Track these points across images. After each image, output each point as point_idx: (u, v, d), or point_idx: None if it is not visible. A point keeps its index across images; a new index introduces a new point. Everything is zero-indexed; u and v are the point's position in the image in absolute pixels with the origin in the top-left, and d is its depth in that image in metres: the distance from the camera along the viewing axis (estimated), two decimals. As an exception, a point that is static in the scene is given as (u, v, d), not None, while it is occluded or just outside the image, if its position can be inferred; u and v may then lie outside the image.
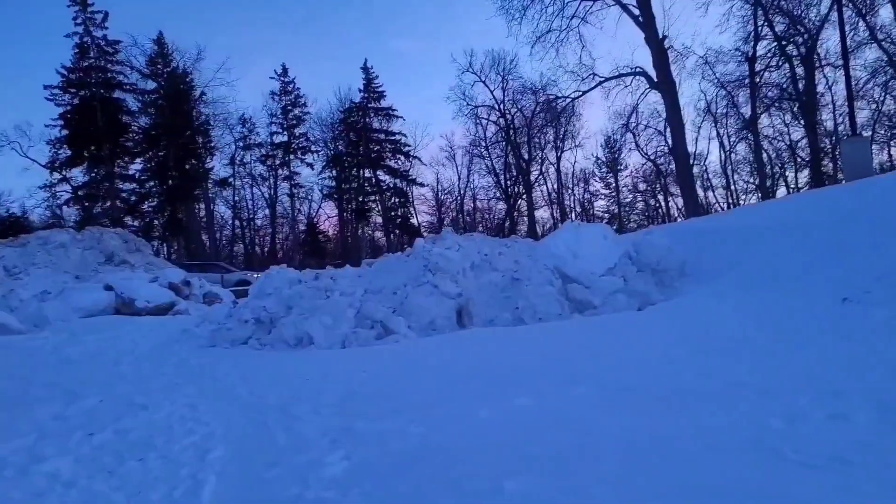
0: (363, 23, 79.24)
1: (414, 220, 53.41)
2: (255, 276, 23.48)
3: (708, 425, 3.51)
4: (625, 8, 28.23)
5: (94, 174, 42.41)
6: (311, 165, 51.42)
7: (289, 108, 51.21)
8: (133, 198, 43.89)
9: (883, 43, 30.08)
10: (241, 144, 49.53)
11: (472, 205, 55.99)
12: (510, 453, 3.40)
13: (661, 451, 3.21)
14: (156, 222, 44.38)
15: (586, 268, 10.53)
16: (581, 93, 31.77)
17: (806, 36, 32.32)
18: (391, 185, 52.75)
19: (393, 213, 53.07)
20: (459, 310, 9.25)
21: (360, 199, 51.79)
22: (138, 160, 44.32)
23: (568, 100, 33.44)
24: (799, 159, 41.37)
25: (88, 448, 4.19)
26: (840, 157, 20.36)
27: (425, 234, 50.96)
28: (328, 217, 54.60)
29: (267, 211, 52.27)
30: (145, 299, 14.20)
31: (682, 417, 3.68)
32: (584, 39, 29.93)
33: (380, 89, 52.10)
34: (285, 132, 50.82)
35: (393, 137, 52.84)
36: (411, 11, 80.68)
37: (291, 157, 50.76)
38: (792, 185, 43.33)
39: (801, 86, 33.26)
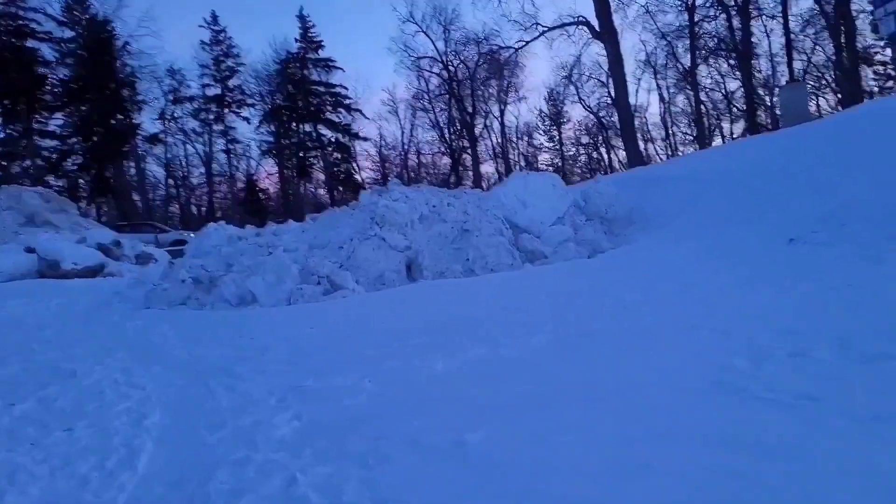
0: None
1: (357, 177, 52.49)
2: (192, 235, 22.64)
3: (671, 368, 3.43)
4: (567, -45, 27.84)
5: (9, 130, 39.73)
6: (247, 120, 49.42)
7: (221, 58, 48.74)
8: (55, 155, 41.44)
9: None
10: (170, 98, 47.13)
11: (416, 159, 55.36)
12: (469, 405, 3.24)
13: (625, 395, 3.10)
14: (81, 182, 42.11)
15: (536, 217, 10.42)
16: (524, 43, 31.42)
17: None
18: (333, 140, 51.44)
19: (336, 169, 51.91)
20: (409, 263, 9.02)
21: (302, 155, 50.37)
22: (58, 115, 41.69)
23: (511, 50, 33.07)
24: (735, 109, 42.29)
25: (8, 419, 3.82)
26: (778, 103, 20.82)
27: (370, 189, 50.09)
28: (268, 174, 53.01)
29: (202, 169, 50.32)
30: (72, 261, 13.39)
31: (644, 361, 3.59)
32: (526, -14, 29.36)
33: (317, 39, 50.26)
34: (218, 84, 48.55)
35: (333, 90, 51.25)
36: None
37: (226, 111, 48.69)
38: (727, 136, 44.42)
39: (737, 36, 33.72)
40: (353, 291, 8.11)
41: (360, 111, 51.60)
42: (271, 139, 49.98)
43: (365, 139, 52.36)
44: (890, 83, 39.64)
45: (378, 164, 54.64)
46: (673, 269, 6.28)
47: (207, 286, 8.82)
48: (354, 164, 52.69)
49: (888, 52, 39.30)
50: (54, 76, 40.97)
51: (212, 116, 48.51)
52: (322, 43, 50.45)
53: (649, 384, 3.22)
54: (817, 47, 36.18)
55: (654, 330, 4.22)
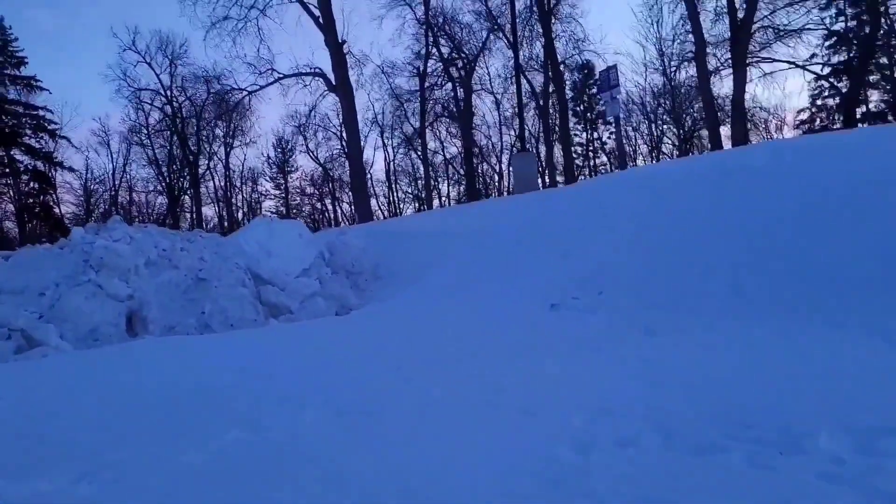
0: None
1: (56, 210, 45.58)
2: None
3: (487, 458, 2.92)
4: (305, 7, 27.97)
5: None
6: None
7: None
8: None
9: (527, 74, 34.80)
10: None
11: (127, 197, 50.17)
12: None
13: (432, 493, 2.64)
14: None
15: (280, 268, 9.72)
16: (259, 87, 30.55)
17: (466, 61, 36.06)
18: (30, 168, 44.12)
19: (31, 201, 44.48)
20: (130, 314, 7.68)
21: (-14, 181, 42.27)
22: None
23: (244, 93, 31.85)
24: (455, 173, 45.97)
25: None
26: (510, 171, 23.04)
27: (70, 225, 43.91)
28: (-65, 200, 43.36)
29: None
30: None
31: (450, 449, 3.10)
32: (262, 33, 28.71)
33: (20, 54, 43.26)
34: None
35: (35, 112, 44.29)
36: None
37: None
38: (444, 198, 48.07)
39: (461, 105, 36.93)
40: (56, 349, 6.59)
41: (66, 139, 45.27)
42: (-55, 159, 41.26)
43: (71, 169, 45.96)
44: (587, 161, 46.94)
45: (82, 199, 48.33)
46: (441, 333, 6.06)
47: None
48: (54, 196, 45.79)
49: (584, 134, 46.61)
50: None
51: None
52: (25, 59, 43.63)
53: (467, 484, 2.70)
54: (538, 119, 40.96)
55: (444, 406, 3.82)
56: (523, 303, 6.94)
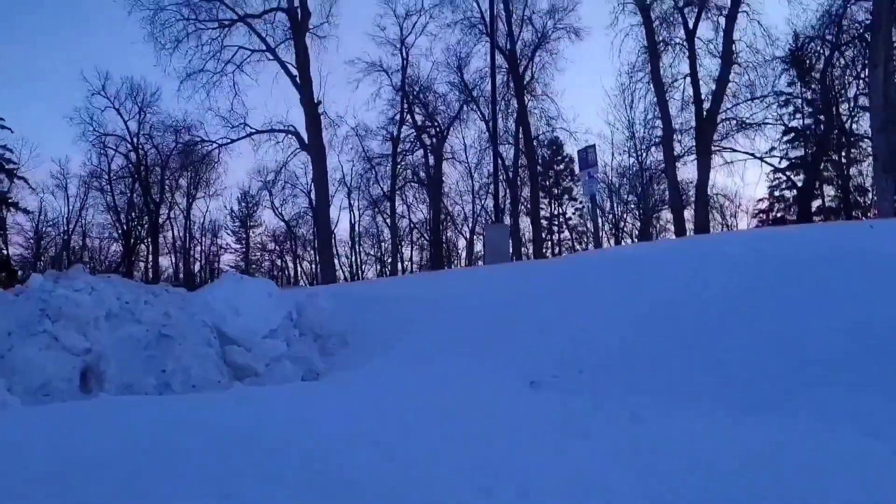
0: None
1: (5, 252, 43.88)
2: None
3: None
4: (283, 66, 28.35)
5: None
6: None
7: None
8: None
9: (501, 146, 35.60)
10: None
11: (80, 242, 48.79)
12: None
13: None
14: None
15: (248, 327, 9.34)
16: (230, 140, 30.50)
17: (438, 129, 36.81)
18: (-20, 206, 42.65)
19: (-21, 241, 42.83)
20: (86, 370, 7.22)
21: (-70, 218, 40.63)
22: None
23: (214, 145, 31.69)
24: (422, 238, 46.03)
25: None
26: (484, 241, 23.29)
27: (18, 270, 42.23)
28: None
29: None
30: None
31: None
32: (238, 87, 28.79)
33: (-22, 89, 42.54)
34: None
35: (-9, 150, 43.10)
36: (23, 8, 68.50)
37: None
38: (408, 262, 48.04)
39: (431, 172, 37.42)
40: (2, 403, 6.10)
41: (24, 179, 44.01)
42: None
43: (26, 211, 44.56)
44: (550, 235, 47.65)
45: (32, 241, 46.78)
46: (417, 408, 5.75)
47: None
48: (3, 238, 44.17)
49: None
50: None
51: None
52: (-16, 95, 42.76)
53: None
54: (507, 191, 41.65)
55: (428, 487, 3.64)
56: (500, 378, 6.75)
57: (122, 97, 41.99)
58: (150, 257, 46.20)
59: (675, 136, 26.24)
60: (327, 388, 7.19)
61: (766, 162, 31.42)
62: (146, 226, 45.53)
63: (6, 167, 43.09)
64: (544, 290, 9.20)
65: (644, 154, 35.42)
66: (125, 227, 45.62)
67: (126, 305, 8.37)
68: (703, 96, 25.53)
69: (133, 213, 45.80)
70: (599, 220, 37.02)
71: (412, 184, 40.27)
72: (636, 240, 42.00)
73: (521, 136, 31.72)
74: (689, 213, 28.41)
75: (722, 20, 24.98)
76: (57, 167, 52.43)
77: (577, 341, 7.23)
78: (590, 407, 5.48)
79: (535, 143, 33.12)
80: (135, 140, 42.92)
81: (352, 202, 46.47)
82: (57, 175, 46.13)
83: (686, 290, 7.74)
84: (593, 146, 16.18)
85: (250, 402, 6.44)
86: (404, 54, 34.48)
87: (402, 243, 47.27)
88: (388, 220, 41.68)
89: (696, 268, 8.24)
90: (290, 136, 30.12)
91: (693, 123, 25.84)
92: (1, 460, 4.18)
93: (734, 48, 24.75)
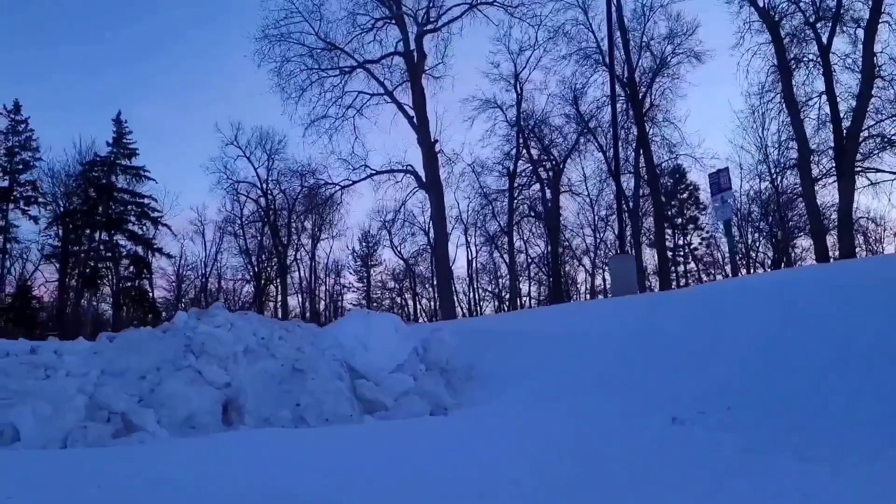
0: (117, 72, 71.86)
1: (150, 294, 47.71)
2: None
3: None
4: (401, 108, 29.09)
5: None
6: (35, 219, 43.66)
7: (17, 150, 43.53)
8: None
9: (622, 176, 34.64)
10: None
11: (217, 284, 52.10)
12: None
13: None
14: None
15: (376, 363, 9.38)
16: (351, 182, 31.53)
17: (554, 163, 36.35)
18: (131, 253, 46.78)
19: (129, 284, 46.84)
20: (226, 403, 7.44)
21: (92, 265, 44.93)
22: None
23: (337, 187, 32.94)
24: (540, 273, 45.41)
25: None
26: (609, 273, 22.58)
27: (162, 310, 45.67)
28: (46, 281, 46.21)
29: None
30: None
31: None
32: (358, 131, 29.79)
33: (132, 146, 46.90)
34: (6, 178, 42.79)
35: (140, 200, 47.38)
36: (167, 71, 75.43)
37: (11, 206, 42.67)
38: (526, 298, 47.28)
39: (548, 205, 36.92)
40: (153, 436, 6.36)
41: (167, 226, 47.92)
42: (57, 243, 44.31)
43: (169, 256, 48.37)
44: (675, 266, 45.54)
45: (174, 284, 50.53)
46: (551, 447, 5.33)
47: (-61, 416, 6.51)
48: (149, 282, 48.05)
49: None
50: None
51: (-7, 210, 42.15)
52: (136, 150, 47.19)
53: None
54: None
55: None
56: (637, 417, 6.24)
57: (253, 146, 45.02)
58: (279, 297, 48.54)
59: (812, 158, 24.37)
60: (458, 423, 6.98)
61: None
62: (275, 267, 48.03)
63: (151, 216, 47.22)
64: (678, 322, 8.55)
65: (778, 178, 33.18)
66: (256, 269, 48.39)
67: (262, 341, 8.62)
68: (841, 114, 23.60)
69: (263, 256, 48.52)
70: (737, 246, 34.60)
71: (529, 218, 40.01)
72: (769, 268, 39.21)
73: (641, 164, 30.68)
74: (830, 240, 26.15)
75: (860, 32, 23.08)
76: (195, 214, 57.02)
77: (719, 379, 6.61)
78: (742, 446, 4.94)
79: (657, 171, 31.97)
80: (264, 186, 45.81)
81: (468, 239, 46.78)
82: (195, 221, 49.98)
83: (848, 319, 6.89)
84: (726, 169, 15.20)
85: (382, 440, 6.35)
86: (518, 89, 34.41)
87: (520, 278, 46.86)
88: (505, 256, 41.53)
89: (850, 297, 7.34)
90: (408, 175, 30.74)
91: (831, 143, 23.89)
92: (153, 496, 4.30)
93: (875, 61, 22.74)
